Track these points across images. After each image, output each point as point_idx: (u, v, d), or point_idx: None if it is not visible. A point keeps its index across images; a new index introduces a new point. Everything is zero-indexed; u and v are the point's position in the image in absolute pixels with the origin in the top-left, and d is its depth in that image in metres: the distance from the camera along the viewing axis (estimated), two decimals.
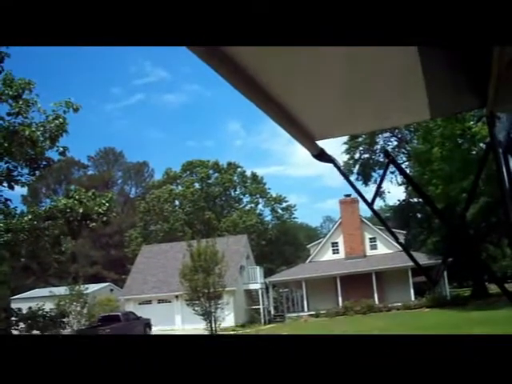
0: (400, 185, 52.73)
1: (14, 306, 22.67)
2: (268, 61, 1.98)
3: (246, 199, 74.73)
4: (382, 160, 56.86)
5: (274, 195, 73.38)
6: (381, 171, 56.18)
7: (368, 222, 46.68)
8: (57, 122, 14.91)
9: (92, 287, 49.03)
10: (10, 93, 14.49)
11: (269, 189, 73.66)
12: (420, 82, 2.17)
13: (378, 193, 3.28)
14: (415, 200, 47.22)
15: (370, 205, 2.87)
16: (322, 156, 2.77)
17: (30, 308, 16.44)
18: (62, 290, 43.25)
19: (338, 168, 2.83)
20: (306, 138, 2.68)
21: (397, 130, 51.31)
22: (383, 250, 43.74)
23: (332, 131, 2.94)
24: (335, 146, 51.93)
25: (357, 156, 55.52)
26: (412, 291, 40.03)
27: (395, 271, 39.13)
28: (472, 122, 32.04)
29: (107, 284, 57.21)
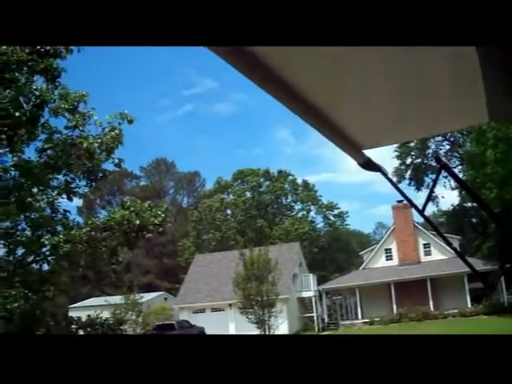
0: (453, 189, 51.87)
1: (72, 314, 23.15)
2: (307, 68, 1.97)
3: (297, 207, 74.66)
4: (434, 165, 56.04)
5: (325, 202, 73.05)
6: (433, 176, 55.35)
7: (422, 228, 45.99)
8: (112, 133, 15.21)
9: (146, 296, 49.68)
10: (66, 106, 14.83)
11: (320, 196, 73.41)
12: (479, 83, 2.13)
13: (430, 199, 3.19)
14: (469, 205, 46.28)
15: (420, 212, 2.83)
16: (368, 165, 2.75)
17: (88, 316, 16.74)
18: (117, 299, 43.95)
19: (386, 176, 2.80)
20: (352, 147, 2.65)
21: (449, 134, 50.53)
22: (438, 255, 43.00)
23: (380, 140, 2.90)
24: (386, 152, 51.44)
25: (408, 161, 54.97)
26: (468, 298, 39.18)
27: (450, 277, 38.44)
28: None
29: (161, 293, 57.84)
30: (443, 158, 54.52)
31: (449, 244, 3.36)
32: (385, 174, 2.77)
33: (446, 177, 55.58)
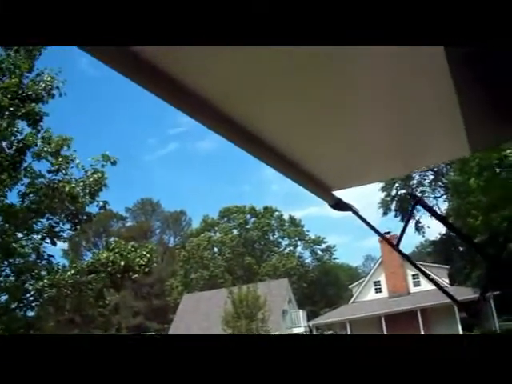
0: None
1: None
2: (271, 117, 1.96)
3: (284, 242, 74.49)
4: (419, 195, 56.41)
5: (312, 237, 73.01)
6: (419, 206, 55.54)
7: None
8: (95, 176, 15.20)
9: None
10: (49, 150, 14.82)
11: (307, 231, 73.37)
12: (456, 117, 2.10)
13: (404, 233, 3.22)
14: (467, 235, 46.45)
15: (395, 246, 2.82)
16: (339, 205, 2.74)
17: None
18: None
19: (357, 214, 2.78)
20: (321, 189, 2.64)
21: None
22: (427, 286, 42.90)
23: (350, 181, 2.87)
24: (372, 185, 51.70)
25: (393, 192, 55.24)
26: (460, 327, 39.05)
27: (441, 307, 38.25)
28: (509, 151, 31.62)
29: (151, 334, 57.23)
30: (420, 193, 54.96)
31: (426, 275, 3.34)
32: (356, 213, 2.76)
33: (432, 206, 56.08)
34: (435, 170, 53.76)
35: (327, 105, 1.96)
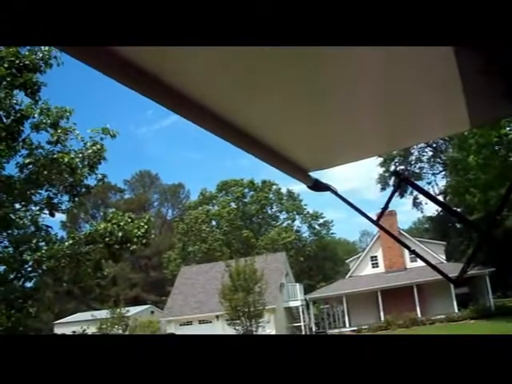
0: (438, 195, 52.17)
1: (57, 330, 22.96)
2: (244, 102, 1.95)
3: (282, 216, 74.63)
4: (417, 171, 56.47)
5: (310, 211, 73.16)
6: (417, 182, 55.67)
7: (406, 234, 46.18)
8: (94, 148, 15.14)
9: (133, 310, 49.38)
10: (48, 121, 14.75)
11: (305, 205, 73.47)
12: (458, 90, 2.05)
13: (386, 210, 3.18)
14: (456, 210, 46.52)
15: (375, 222, 2.81)
16: (317, 186, 2.72)
17: (73, 332, 16.60)
18: (103, 314, 43.64)
19: (336, 194, 2.76)
20: (297, 171, 2.61)
21: (431, 141, 50.88)
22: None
23: (328, 161, 2.83)
24: (370, 160, 51.64)
25: (392, 168, 55.19)
26: (455, 303, 39.31)
27: (436, 283, 38.36)
28: (508, 129, 31.55)
29: (148, 306, 57.54)
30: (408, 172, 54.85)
31: (407, 248, 3.34)
32: (334, 192, 2.74)
33: (429, 183, 56.11)
34: (434, 146, 53.70)
35: (303, 87, 1.92)
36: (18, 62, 13.82)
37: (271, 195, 73.18)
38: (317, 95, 2.01)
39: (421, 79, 2.00)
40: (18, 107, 14.18)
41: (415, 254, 3.24)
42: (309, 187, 2.73)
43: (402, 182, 2.91)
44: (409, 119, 2.45)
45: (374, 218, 2.93)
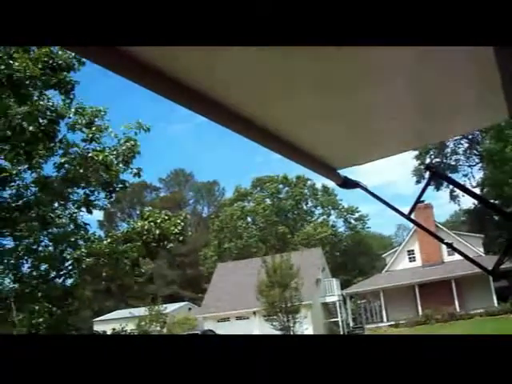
0: (474, 187, 51.47)
1: (96, 327, 23.24)
2: (273, 104, 1.96)
3: (317, 211, 74.46)
4: (453, 163, 55.77)
5: (345, 206, 72.79)
6: (453, 174, 55.06)
7: (444, 228, 45.64)
8: (128, 144, 15.27)
9: (170, 307, 49.76)
10: (83, 121, 14.92)
11: (340, 200, 73.13)
12: (496, 82, 2.01)
13: (417, 204, 3.12)
14: (492, 202, 45.81)
15: (406, 216, 2.77)
16: (346, 183, 2.71)
17: (113, 329, 16.75)
18: (141, 311, 44.07)
19: (366, 190, 2.73)
20: (326, 170, 2.60)
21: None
22: None
23: (357, 158, 2.80)
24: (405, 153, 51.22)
25: (427, 161, 54.63)
26: (494, 297, 38.73)
27: (475, 277, 37.85)
28: None
29: (185, 303, 57.93)
30: (437, 165, 54.11)
31: (441, 240, 3.27)
32: (364, 189, 2.71)
33: (466, 175, 55.36)
34: (470, 137, 52.95)
35: (333, 87, 1.92)
36: (51, 61, 13.98)
37: (306, 190, 73.05)
38: (344, 91, 1.99)
39: (458, 72, 1.98)
40: (52, 107, 14.36)
41: (450, 247, 3.17)
42: (338, 185, 2.72)
43: (435, 176, 2.86)
44: (445, 112, 2.41)
45: (408, 212, 2.89)
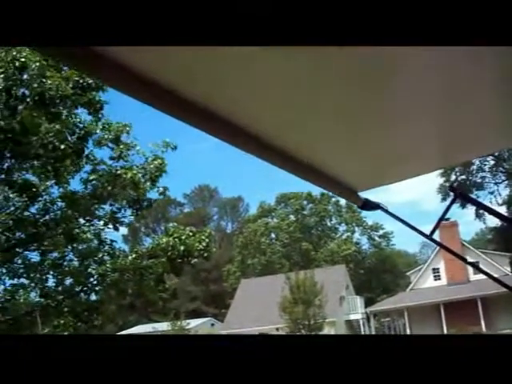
0: (501, 205, 50.88)
1: None
2: (291, 126, 1.95)
3: (341, 228, 74.12)
4: (479, 181, 55.19)
5: (369, 223, 72.39)
6: (479, 192, 54.51)
7: (469, 246, 45.13)
8: (156, 163, 15.41)
9: (193, 322, 49.69)
10: (109, 137, 15.09)
11: (364, 217, 72.67)
12: None
13: (439, 224, 3.09)
14: None
15: (427, 237, 2.77)
16: (367, 205, 2.73)
17: None
18: (164, 326, 44.09)
19: (386, 211, 2.74)
20: (347, 192, 2.61)
21: None
22: None
23: (378, 180, 2.80)
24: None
25: (453, 178, 54.18)
26: None
27: (502, 296, 37.27)
28: None
29: (208, 319, 57.79)
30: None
31: (463, 259, 3.28)
32: (385, 210, 2.73)
33: (491, 193, 54.75)
34: (496, 155, 52.42)
35: (353, 110, 1.91)
36: (81, 81, 14.20)
37: (330, 207, 72.77)
38: (365, 113, 1.96)
39: (484, 83, 1.90)
40: (81, 125, 14.56)
41: (472, 266, 3.13)
42: (359, 207, 2.74)
43: (458, 198, 2.86)
44: (471, 130, 2.35)
45: (430, 232, 2.89)
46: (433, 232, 2.80)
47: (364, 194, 2.78)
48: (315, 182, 2.37)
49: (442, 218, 2.84)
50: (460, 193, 2.74)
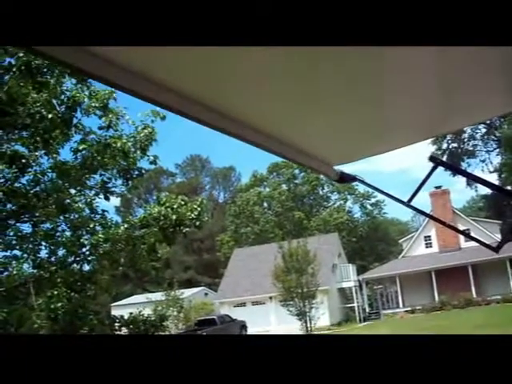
0: (491, 172, 51.11)
1: (114, 312, 23.41)
2: (265, 103, 1.93)
3: (334, 197, 74.40)
4: (470, 149, 55.32)
5: (361, 191, 72.64)
6: (470, 160, 54.64)
7: (461, 214, 45.41)
8: (146, 131, 15.28)
9: (187, 292, 50.04)
10: (97, 104, 14.92)
11: (356, 185, 72.85)
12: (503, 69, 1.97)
13: (417, 193, 3.09)
14: (509, 188, 45.53)
15: (405, 204, 2.74)
16: (343, 178, 2.67)
17: (130, 314, 16.87)
18: (158, 296, 44.38)
19: (363, 182, 2.71)
20: (322, 167, 2.55)
21: None
22: None
23: (355, 154, 2.72)
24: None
25: (444, 146, 54.32)
26: (511, 283, 38.57)
27: (492, 263, 37.70)
28: None
29: (201, 288, 58.23)
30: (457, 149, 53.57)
31: (442, 222, 3.28)
32: (362, 181, 2.70)
33: (483, 161, 54.96)
34: (488, 123, 52.49)
35: (326, 80, 1.86)
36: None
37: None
38: (343, 86, 1.93)
39: (474, 59, 1.87)
40: (69, 94, 14.38)
41: (449, 227, 3.11)
42: (335, 180, 2.69)
43: (439, 166, 2.84)
44: (459, 100, 2.32)
45: (408, 199, 2.86)
46: (410, 199, 2.78)
47: (354, 164, 2.74)
48: (289, 157, 2.32)
49: (420, 187, 2.82)
50: (441, 161, 2.71)
